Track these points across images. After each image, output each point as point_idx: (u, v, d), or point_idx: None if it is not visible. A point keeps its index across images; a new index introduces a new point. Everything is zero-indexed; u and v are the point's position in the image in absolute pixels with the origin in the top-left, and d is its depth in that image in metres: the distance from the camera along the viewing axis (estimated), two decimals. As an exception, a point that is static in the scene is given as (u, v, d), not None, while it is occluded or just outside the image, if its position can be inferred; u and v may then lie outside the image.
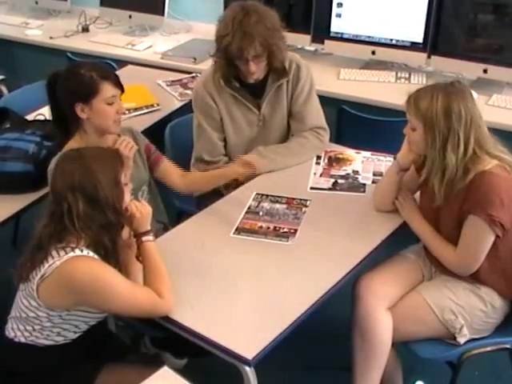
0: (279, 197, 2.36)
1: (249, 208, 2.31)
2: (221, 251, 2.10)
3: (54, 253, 1.72)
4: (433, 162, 1.96)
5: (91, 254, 1.74)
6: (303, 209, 2.29)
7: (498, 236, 1.93)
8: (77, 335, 1.83)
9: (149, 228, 1.90)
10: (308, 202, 2.33)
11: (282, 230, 2.19)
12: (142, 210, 1.87)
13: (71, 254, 1.71)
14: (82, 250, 1.72)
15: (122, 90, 2.16)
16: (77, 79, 2.10)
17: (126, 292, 1.75)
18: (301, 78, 2.56)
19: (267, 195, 2.38)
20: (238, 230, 2.20)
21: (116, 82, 2.13)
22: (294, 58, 2.58)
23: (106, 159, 1.80)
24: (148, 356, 2.22)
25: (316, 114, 2.62)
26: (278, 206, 2.32)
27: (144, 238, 1.88)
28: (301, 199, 2.35)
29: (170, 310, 1.81)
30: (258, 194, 2.39)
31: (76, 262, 1.70)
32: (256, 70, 2.41)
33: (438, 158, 1.93)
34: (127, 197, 1.84)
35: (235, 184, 2.49)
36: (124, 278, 1.77)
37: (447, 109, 1.91)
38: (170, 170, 2.40)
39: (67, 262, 1.70)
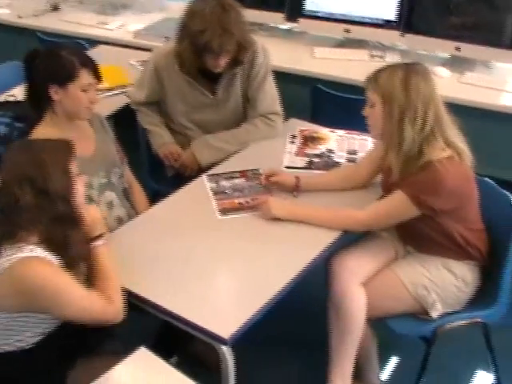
0: (231, 172, 2.39)
1: (212, 189, 2.30)
2: (201, 232, 2.10)
3: (3, 251, 1.64)
4: (391, 136, 1.96)
5: (43, 254, 1.66)
6: (261, 177, 2.33)
7: (426, 214, 1.95)
8: (37, 339, 1.72)
9: (99, 233, 1.85)
10: (260, 170, 2.37)
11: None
12: (94, 215, 1.84)
13: (20, 254, 1.62)
14: (32, 250, 1.64)
15: (99, 81, 2.14)
16: (56, 61, 2.07)
17: (76, 297, 1.67)
18: (256, 64, 2.55)
19: (217, 174, 2.38)
20: (224, 211, 2.18)
21: (95, 71, 2.11)
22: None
23: (56, 150, 1.74)
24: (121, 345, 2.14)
25: (269, 100, 2.60)
26: (237, 181, 2.34)
27: (93, 245, 1.82)
28: (252, 169, 2.38)
29: (119, 314, 1.73)
30: (208, 175, 2.38)
31: (27, 263, 1.62)
32: (224, 64, 2.42)
33: (396, 131, 1.94)
34: (80, 188, 1.78)
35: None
36: (76, 282, 1.68)
37: (405, 81, 1.92)
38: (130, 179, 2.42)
39: (18, 263, 1.61)
